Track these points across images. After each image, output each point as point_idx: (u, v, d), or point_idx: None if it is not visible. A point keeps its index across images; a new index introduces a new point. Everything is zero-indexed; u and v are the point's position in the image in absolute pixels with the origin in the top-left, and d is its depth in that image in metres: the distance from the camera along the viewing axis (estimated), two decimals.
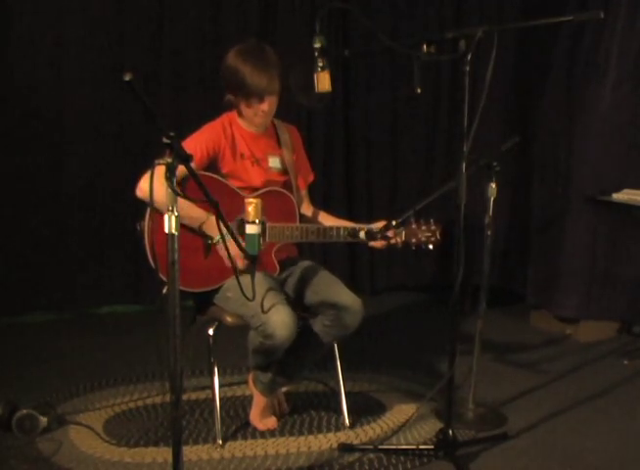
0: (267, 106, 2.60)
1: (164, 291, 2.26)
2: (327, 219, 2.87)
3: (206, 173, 2.57)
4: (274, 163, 2.75)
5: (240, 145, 2.68)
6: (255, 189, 2.66)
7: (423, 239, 2.61)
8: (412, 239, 2.61)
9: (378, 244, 2.62)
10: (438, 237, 2.63)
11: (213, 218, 2.45)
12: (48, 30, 3.95)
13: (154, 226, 2.45)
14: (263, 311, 2.37)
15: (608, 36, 3.69)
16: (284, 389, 2.94)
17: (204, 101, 4.16)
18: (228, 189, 2.61)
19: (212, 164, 2.63)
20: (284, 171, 2.77)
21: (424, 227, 2.62)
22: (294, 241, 2.68)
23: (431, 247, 2.63)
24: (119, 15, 4.07)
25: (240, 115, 2.68)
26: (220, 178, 2.61)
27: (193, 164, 1.86)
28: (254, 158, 2.70)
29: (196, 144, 2.57)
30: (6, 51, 3.90)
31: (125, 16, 4.09)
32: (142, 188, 2.46)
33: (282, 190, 2.70)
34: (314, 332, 2.61)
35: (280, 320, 2.38)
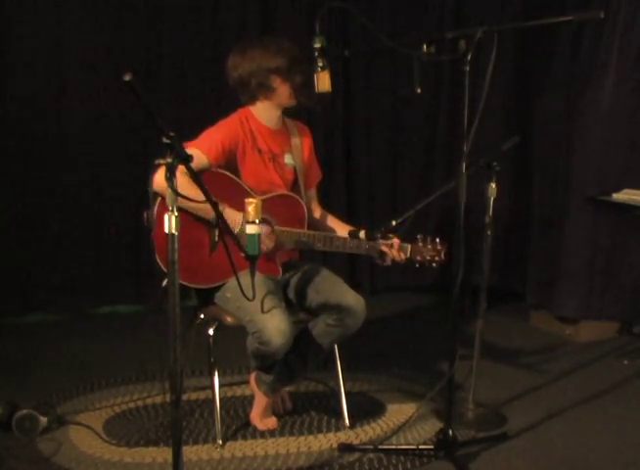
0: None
1: (164, 283, 2.23)
2: (337, 226, 2.84)
3: (224, 172, 2.55)
4: (289, 159, 2.74)
5: (258, 141, 2.66)
6: (271, 186, 2.65)
7: (428, 258, 2.65)
8: (417, 257, 2.65)
9: (386, 261, 2.64)
10: (443, 257, 2.66)
11: (229, 209, 2.46)
12: (48, 32, 3.94)
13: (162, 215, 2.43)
14: (263, 311, 2.36)
15: (608, 36, 3.69)
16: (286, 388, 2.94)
17: (203, 101, 4.16)
18: (241, 189, 2.58)
19: (229, 163, 2.59)
20: (296, 169, 2.76)
21: (429, 246, 2.65)
22: (301, 247, 2.66)
23: (434, 265, 2.67)
24: (119, 15, 4.07)
25: (255, 105, 2.66)
26: (235, 177, 2.59)
27: (192, 164, 1.85)
28: (272, 153, 2.69)
29: (211, 140, 2.55)
30: (6, 52, 3.89)
31: (125, 16, 4.08)
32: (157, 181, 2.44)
33: (293, 195, 2.69)
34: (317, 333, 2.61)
35: (276, 327, 2.36)
